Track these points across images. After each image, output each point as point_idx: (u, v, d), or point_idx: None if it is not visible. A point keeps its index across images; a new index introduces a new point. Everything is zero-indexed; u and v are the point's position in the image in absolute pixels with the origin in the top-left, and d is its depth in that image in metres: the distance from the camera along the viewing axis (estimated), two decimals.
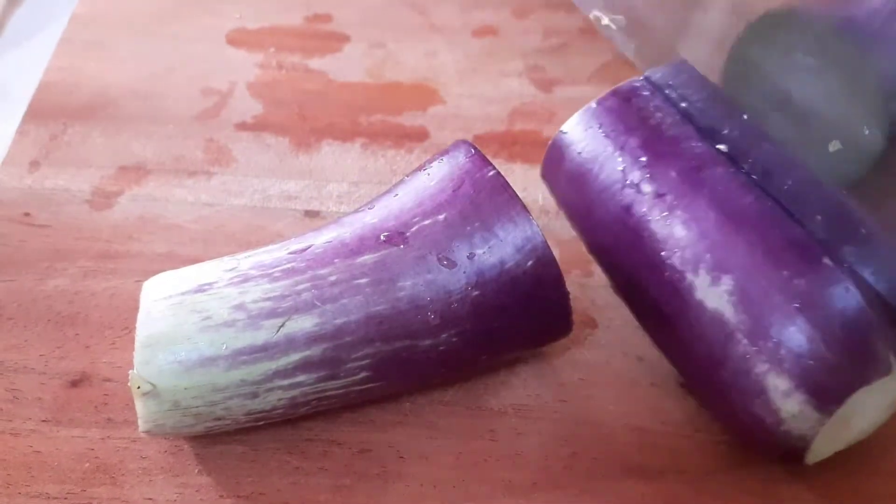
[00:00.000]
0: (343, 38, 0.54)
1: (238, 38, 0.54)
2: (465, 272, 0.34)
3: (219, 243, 0.43)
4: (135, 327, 0.33)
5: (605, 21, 0.42)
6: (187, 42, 0.53)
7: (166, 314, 0.33)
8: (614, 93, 0.40)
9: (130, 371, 0.32)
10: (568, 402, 0.38)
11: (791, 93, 0.36)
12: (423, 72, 0.52)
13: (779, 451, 0.34)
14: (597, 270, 0.41)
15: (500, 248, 0.34)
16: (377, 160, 0.48)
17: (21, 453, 0.36)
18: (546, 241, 0.34)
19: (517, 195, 0.35)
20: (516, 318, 0.35)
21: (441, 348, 0.34)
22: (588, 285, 0.42)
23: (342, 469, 0.36)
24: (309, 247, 0.35)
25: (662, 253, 0.35)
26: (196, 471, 0.36)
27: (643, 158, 0.37)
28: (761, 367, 0.32)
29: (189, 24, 0.55)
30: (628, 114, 0.39)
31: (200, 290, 0.34)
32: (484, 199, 0.35)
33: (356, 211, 0.37)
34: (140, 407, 0.33)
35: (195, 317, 0.33)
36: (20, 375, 0.38)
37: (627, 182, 0.37)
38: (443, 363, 0.35)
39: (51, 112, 0.49)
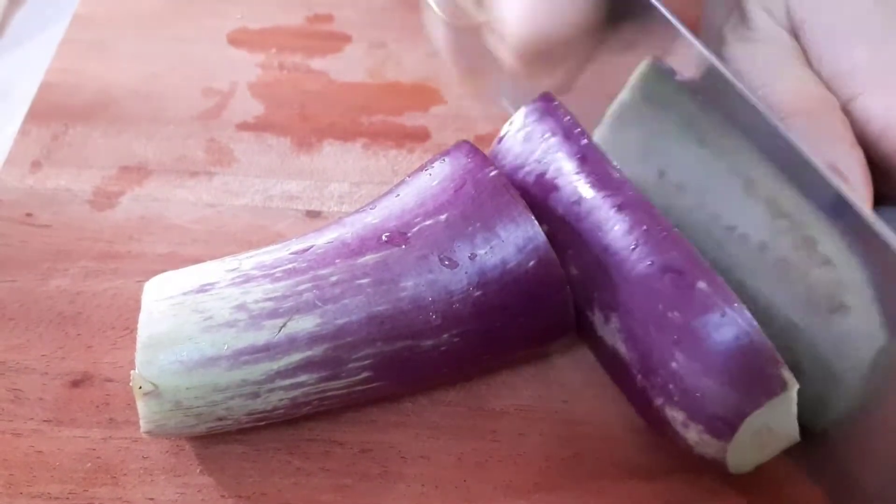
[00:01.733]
0: (344, 39, 0.54)
1: (239, 39, 0.54)
2: (466, 272, 0.34)
3: (220, 244, 0.43)
4: (136, 327, 0.33)
5: None
6: (188, 42, 0.53)
7: (168, 314, 0.33)
8: (512, 124, 0.39)
9: (132, 371, 0.32)
10: (570, 402, 0.38)
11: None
12: (424, 72, 0.52)
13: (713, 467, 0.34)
14: None
15: (501, 249, 0.34)
16: (378, 160, 0.48)
17: (23, 453, 0.36)
18: (548, 241, 0.34)
19: (519, 195, 0.35)
20: (518, 318, 0.35)
21: (443, 348, 0.34)
22: None
23: (344, 469, 0.36)
24: (310, 247, 0.35)
25: (569, 290, 0.35)
26: (198, 471, 0.36)
27: (535, 196, 0.37)
28: (658, 401, 0.33)
29: (190, 25, 0.55)
30: (521, 149, 0.38)
31: (202, 290, 0.34)
32: (486, 199, 0.35)
33: (358, 211, 0.37)
34: (142, 407, 0.33)
35: (197, 317, 0.33)
36: (22, 375, 0.38)
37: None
38: (445, 363, 0.35)
39: (52, 112, 0.49)
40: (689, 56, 0.36)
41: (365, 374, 0.34)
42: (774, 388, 0.31)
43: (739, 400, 0.31)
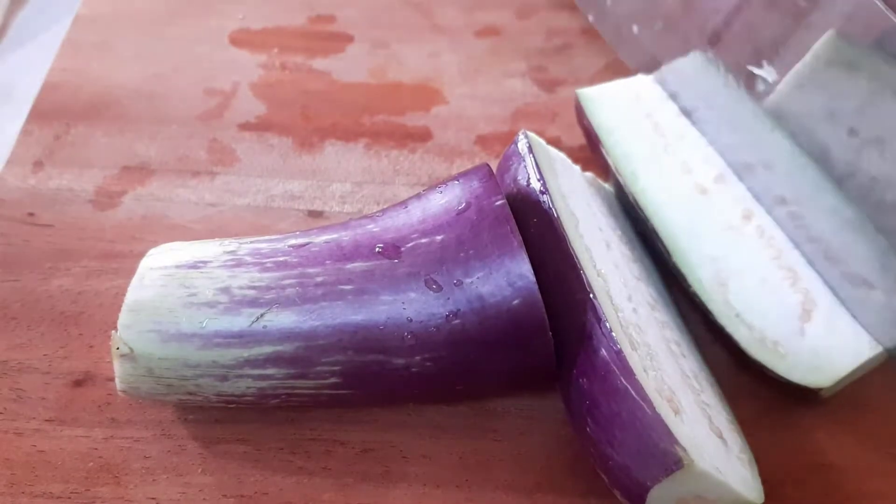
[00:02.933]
0: (346, 39, 0.54)
1: (241, 39, 0.54)
2: (448, 298, 0.33)
3: None
4: None
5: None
6: (191, 42, 0.53)
7: (157, 283, 0.34)
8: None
9: (112, 331, 0.33)
10: None
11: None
12: (425, 72, 0.52)
13: None
14: None
15: (488, 281, 0.33)
16: (380, 160, 0.48)
17: (25, 453, 0.36)
18: (535, 283, 0.33)
19: (517, 231, 0.33)
20: (495, 355, 0.34)
21: (414, 370, 0.34)
22: None
23: (345, 469, 0.36)
24: (307, 243, 0.35)
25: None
26: (199, 470, 0.36)
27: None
28: (590, 460, 0.33)
29: (192, 25, 0.55)
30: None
31: (194, 266, 0.34)
32: (484, 227, 0.33)
33: (366, 215, 0.37)
34: (117, 367, 0.34)
35: (182, 291, 0.33)
36: (24, 375, 0.38)
37: None
38: (415, 384, 0.34)
39: (54, 112, 0.49)
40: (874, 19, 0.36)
41: (333, 380, 0.34)
42: (669, 464, 0.29)
43: (638, 473, 0.30)
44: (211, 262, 0.34)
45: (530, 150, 0.37)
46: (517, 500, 0.35)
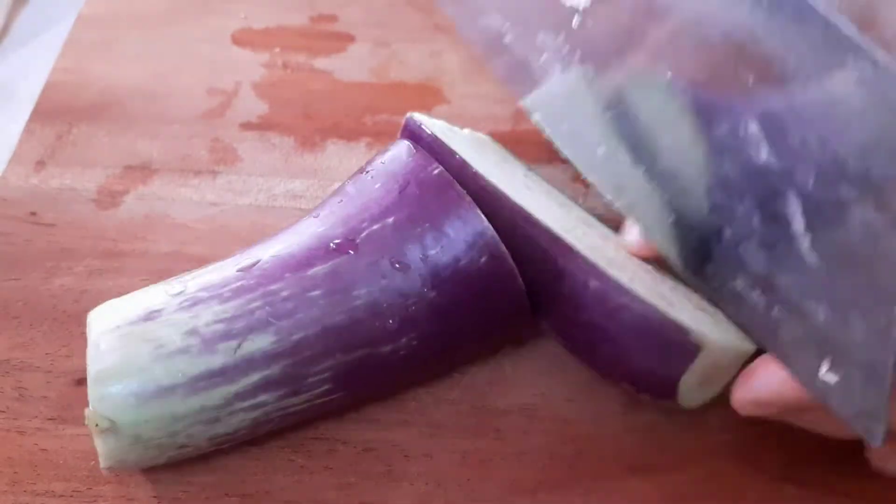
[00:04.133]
0: (348, 38, 0.54)
1: (243, 38, 0.54)
2: (419, 274, 0.34)
3: (224, 242, 0.43)
4: None
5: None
6: (193, 42, 0.54)
7: (116, 346, 0.32)
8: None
9: (86, 409, 0.31)
10: (573, 400, 0.38)
11: None
12: (427, 71, 0.52)
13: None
14: None
15: (451, 247, 0.34)
16: None
17: (27, 451, 0.36)
18: (497, 237, 0.34)
19: (464, 192, 0.34)
20: (474, 315, 0.35)
21: (402, 353, 0.34)
22: None
23: (347, 468, 0.36)
24: (257, 262, 0.34)
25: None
26: (201, 469, 0.36)
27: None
28: (616, 380, 0.36)
29: (194, 25, 0.55)
30: None
31: (149, 318, 0.32)
32: (431, 198, 0.34)
33: (301, 220, 0.36)
34: (100, 445, 0.32)
35: (147, 346, 0.32)
36: (26, 374, 0.38)
37: None
38: (404, 367, 0.35)
39: (57, 112, 0.49)
40: None
41: (325, 387, 0.34)
42: (688, 352, 0.32)
43: (663, 371, 0.33)
44: (164, 308, 0.33)
45: (426, 129, 0.38)
46: (519, 499, 0.35)
